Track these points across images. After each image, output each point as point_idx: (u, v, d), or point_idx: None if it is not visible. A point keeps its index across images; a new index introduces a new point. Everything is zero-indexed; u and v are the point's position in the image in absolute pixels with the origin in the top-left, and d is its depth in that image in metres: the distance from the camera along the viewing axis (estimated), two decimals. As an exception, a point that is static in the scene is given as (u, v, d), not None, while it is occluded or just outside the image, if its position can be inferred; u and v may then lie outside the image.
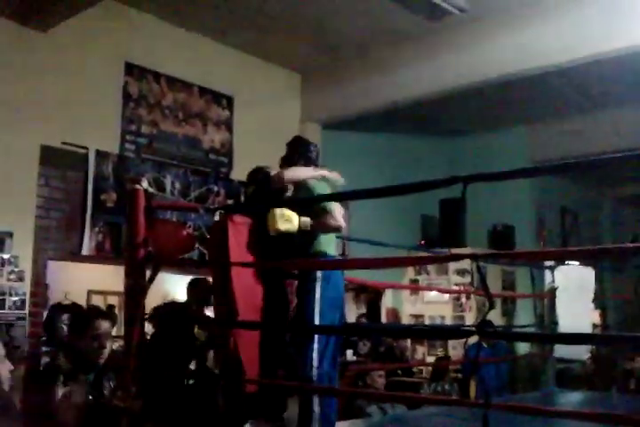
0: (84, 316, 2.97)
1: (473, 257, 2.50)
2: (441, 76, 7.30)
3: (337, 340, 3.61)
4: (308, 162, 3.93)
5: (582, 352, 5.98)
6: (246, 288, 3.00)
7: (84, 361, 2.80)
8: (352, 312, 9.22)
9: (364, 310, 9.45)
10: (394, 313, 9.33)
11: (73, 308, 7.24)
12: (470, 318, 8.69)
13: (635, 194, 12.33)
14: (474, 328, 2.39)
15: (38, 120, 6.05)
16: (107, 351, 2.95)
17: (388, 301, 9.34)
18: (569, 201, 11.51)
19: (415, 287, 9.35)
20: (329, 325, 3.46)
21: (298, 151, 3.98)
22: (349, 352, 7.85)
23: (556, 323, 5.51)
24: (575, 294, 5.68)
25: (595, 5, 6.21)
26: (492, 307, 2.33)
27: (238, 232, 3.05)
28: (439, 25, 6.91)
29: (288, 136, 8.20)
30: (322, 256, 3.56)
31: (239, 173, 7.62)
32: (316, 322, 3.42)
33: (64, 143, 6.20)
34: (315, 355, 3.38)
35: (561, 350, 5.57)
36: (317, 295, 3.45)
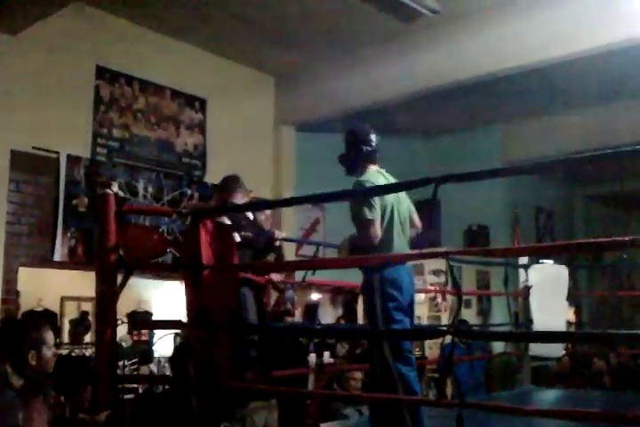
0: (26, 327, 2.88)
1: (445, 255, 2.51)
2: (414, 76, 7.32)
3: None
4: (368, 160, 3.73)
5: (557, 350, 6.02)
6: (218, 291, 2.99)
7: (37, 376, 2.72)
8: (329, 314, 9.22)
9: (341, 312, 9.44)
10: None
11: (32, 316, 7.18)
12: (446, 318, 8.72)
13: (609, 193, 12.46)
14: (447, 328, 2.40)
15: (8, 125, 5.98)
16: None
17: (364, 302, 9.33)
18: (543, 200, 11.60)
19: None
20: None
21: (355, 148, 3.75)
22: (327, 354, 7.84)
23: (530, 321, 5.54)
24: (550, 292, 5.71)
25: (568, 5, 6.26)
26: (460, 304, 2.35)
27: (210, 236, 3.03)
28: (412, 26, 6.93)
29: (261, 139, 8.32)
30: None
31: (213, 176, 7.59)
32: (380, 326, 3.40)
33: (35, 148, 6.13)
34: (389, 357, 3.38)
35: (536, 348, 5.60)
36: (378, 298, 3.41)
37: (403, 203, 3.67)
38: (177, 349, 4.18)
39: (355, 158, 3.74)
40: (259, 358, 4.35)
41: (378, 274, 3.42)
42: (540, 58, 6.54)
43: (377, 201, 3.44)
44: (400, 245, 3.55)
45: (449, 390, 7.01)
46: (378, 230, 3.41)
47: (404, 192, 3.63)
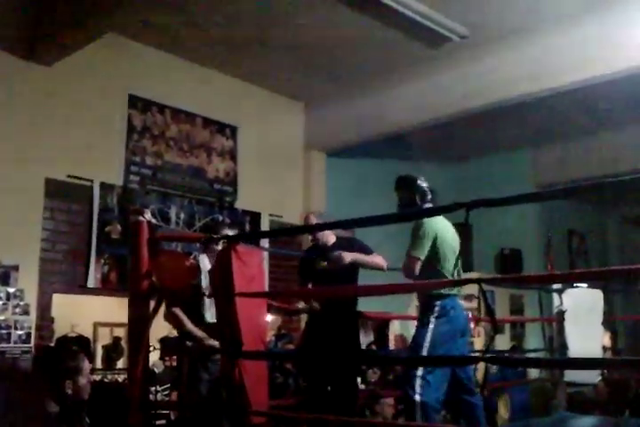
0: (63, 355, 2.91)
1: (477, 282, 2.49)
2: (443, 101, 7.34)
3: (445, 373, 3.74)
4: (427, 200, 4.04)
5: (593, 376, 5.91)
6: (250, 319, 2.99)
7: (75, 403, 2.74)
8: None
9: (372, 338, 9.38)
10: (402, 339, 9.25)
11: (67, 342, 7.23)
12: (479, 344, 8.61)
13: (642, 215, 12.29)
14: (480, 355, 2.38)
15: (43, 154, 6.10)
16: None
17: (395, 327, 9.28)
18: (576, 223, 11.48)
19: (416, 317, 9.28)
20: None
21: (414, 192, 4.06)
22: (358, 380, 7.78)
23: (565, 347, 5.45)
24: (584, 317, 5.62)
25: (595, 26, 6.25)
26: (496, 332, 2.33)
27: (242, 263, 3.04)
28: (440, 51, 6.96)
29: (292, 164, 8.37)
30: (439, 297, 3.82)
31: (244, 202, 7.65)
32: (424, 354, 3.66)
33: (69, 176, 6.24)
34: (417, 384, 3.59)
35: (572, 374, 5.50)
36: (431, 327, 3.73)
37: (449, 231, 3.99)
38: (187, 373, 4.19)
39: (416, 202, 4.03)
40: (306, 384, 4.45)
41: (439, 301, 3.79)
42: (570, 80, 6.53)
43: (428, 239, 3.83)
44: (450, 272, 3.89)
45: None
46: (417, 269, 3.79)
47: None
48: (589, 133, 9.21)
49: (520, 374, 7.79)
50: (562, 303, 5.64)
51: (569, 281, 5.27)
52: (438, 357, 3.55)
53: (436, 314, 3.77)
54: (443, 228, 3.93)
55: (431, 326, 3.73)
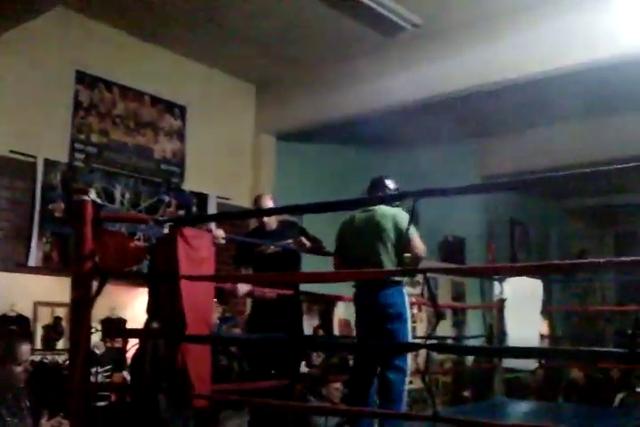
0: (6, 342, 2.83)
1: (423, 272, 2.55)
2: (395, 90, 7.35)
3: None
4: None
5: (531, 363, 6.08)
6: (195, 302, 2.98)
7: (7, 388, 2.69)
8: (305, 324, 9.19)
9: (317, 321, 9.44)
10: (346, 324, 9.33)
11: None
12: (421, 330, 8.75)
13: (583, 207, 12.61)
14: (422, 342, 2.42)
15: (-15, 128, 5.94)
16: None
17: (340, 312, 9.34)
18: (518, 213, 11.72)
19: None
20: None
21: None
22: (303, 364, 7.83)
23: (504, 334, 5.59)
24: (524, 305, 5.77)
25: (550, 22, 6.33)
26: (439, 319, 2.39)
27: (188, 245, 3.02)
28: (396, 40, 6.97)
29: (242, 147, 8.32)
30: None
31: (191, 183, 7.58)
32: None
33: (12, 151, 6.08)
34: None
35: (509, 361, 5.65)
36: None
37: (370, 222, 3.97)
38: (135, 357, 4.16)
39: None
40: (249, 368, 4.48)
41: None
42: (522, 74, 6.61)
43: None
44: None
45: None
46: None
47: (385, 213, 3.92)
48: (537, 126, 9.39)
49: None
50: (502, 291, 5.78)
51: (511, 273, 5.40)
52: (376, 344, 3.63)
53: None
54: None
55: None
